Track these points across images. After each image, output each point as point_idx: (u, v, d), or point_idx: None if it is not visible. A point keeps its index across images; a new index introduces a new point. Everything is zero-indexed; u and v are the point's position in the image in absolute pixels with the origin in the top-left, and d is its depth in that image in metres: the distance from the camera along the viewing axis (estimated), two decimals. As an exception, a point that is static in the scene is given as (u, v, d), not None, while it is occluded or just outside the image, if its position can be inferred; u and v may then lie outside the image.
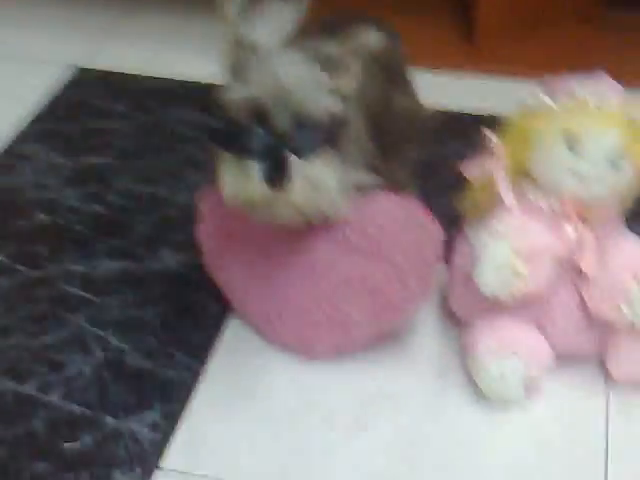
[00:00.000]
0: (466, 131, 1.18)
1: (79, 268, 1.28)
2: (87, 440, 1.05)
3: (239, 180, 0.99)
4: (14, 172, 1.45)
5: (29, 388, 1.11)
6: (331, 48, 1.01)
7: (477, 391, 1.09)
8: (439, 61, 1.61)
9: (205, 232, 1.19)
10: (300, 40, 1.05)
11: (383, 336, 1.14)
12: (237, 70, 1.01)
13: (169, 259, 1.29)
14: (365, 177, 1.09)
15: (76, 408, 1.09)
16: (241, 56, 1.01)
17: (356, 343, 1.13)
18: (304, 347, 1.14)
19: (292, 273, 1.13)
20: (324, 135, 1.00)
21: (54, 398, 1.10)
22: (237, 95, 0.99)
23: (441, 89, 1.52)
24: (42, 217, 1.37)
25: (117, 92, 1.64)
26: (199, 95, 1.60)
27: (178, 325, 1.19)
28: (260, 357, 1.15)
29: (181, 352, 1.16)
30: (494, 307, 1.08)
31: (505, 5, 1.68)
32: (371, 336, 1.13)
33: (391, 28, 1.22)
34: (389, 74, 1.21)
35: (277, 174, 0.96)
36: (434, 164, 1.36)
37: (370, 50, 1.02)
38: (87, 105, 1.61)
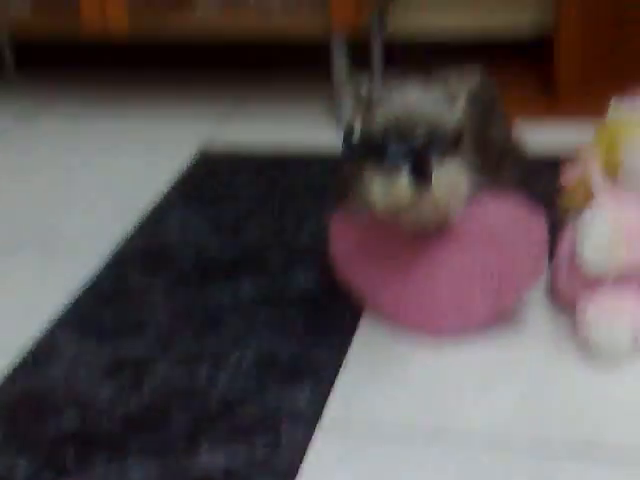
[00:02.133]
0: (553, 169, 1.38)
1: (227, 291, 1.48)
2: (254, 411, 1.22)
3: (387, 187, 1.19)
4: (162, 226, 1.68)
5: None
6: (443, 85, 1.24)
7: (590, 354, 1.25)
8: (523, 114, 1.79)
9: (337, 248, 1.39)
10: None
11: (501, 317, 1.31)
12: (368, 110, 1.24)
13: (303, 280, 1.49)
14: (476, 183, 1.29)
15: (243, 389, 1.26)
16: (366, 101, 1.25)
17: (477, 322, 1.31)
18: (430, 324, 1.32)
19: (418, 268, 1.32)
20: (451, 144, 1.21)
21: (221, 384, 1.28)
22: (377, 120, 1.21)
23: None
24: (190, 257, 1.58)
25: (241, 163, 1.88)
26: (313, 160, 1.87)
27: (319, 327, 1.38)
28: (393, 342, 1.33)
29: (326, 345, 1.34)
30: (598, 282, 1.25)
31: (580, 61, 1.95)
32: (491, 317, 1.31)
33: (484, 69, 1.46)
34: (485, 107, 1.44)
35: (422, 177, 1.17)
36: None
37: (472, 87, 1.25)
38: (215, 174, 1.86)
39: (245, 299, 1.46)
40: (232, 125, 2.08)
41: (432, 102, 1.22)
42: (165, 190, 1.80)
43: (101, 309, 1.46)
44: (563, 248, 1.31)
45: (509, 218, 1.30)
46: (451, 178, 1.21)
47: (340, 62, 1.98)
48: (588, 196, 1.30)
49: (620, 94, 1.33)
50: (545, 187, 1.56)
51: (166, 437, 1.19)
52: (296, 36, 2.16)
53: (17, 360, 1.34)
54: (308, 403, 1.23)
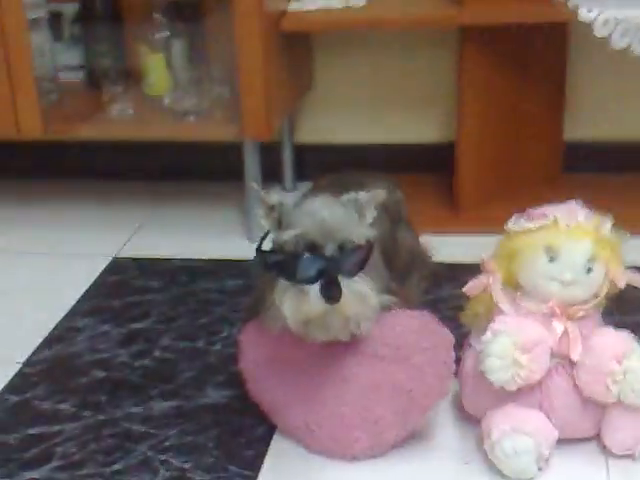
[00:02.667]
0: (456, 276, 1.42)
1: (138, 409, 1.46)
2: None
3: (298, 301, 1.21)
4: (70, 341, 1.66)
5: (107, 506, 1.28)
6: (353, 197, 1.26)
7: (496, 472, 1.27)
8: (427, 225, 1.84)
9: (246, 361, 1.39)
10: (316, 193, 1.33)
11: (410, 434, 1.32)
12: (279, 223, 1.26)
13: (214, 395, 1.48)
14: (384, 297, 1.30)
15: (150, 516, 1.25)
16: (277, 214, 1.26)
17: (388, 442, 1.32)
18: (343, 450, 1.32)
19: (327, 385, 1.33)
20: (361, 258, 1.23)
21: (129, 512, 1.26)
22: (288, 235, 1.23)
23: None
24: (99, 373, 1.56)
25: (150, 272, 1.88)
26: (221, 268, 1.87)
27: (230, 445, 1.37)
28: (304, 463, 1.33)
29: (235, 466, 1.33)
30: (502, 398, 1.27)
31: (479, 177, 2.01)
32: (400, 434, 1.31)
33: (391, 180, 1.49)
34: (393, 217, 1.47)
35: (331, 291, 1.19)
36: (433, 302, 1.60)
37: (380, 199, 1.28)
38: (125, 284, 1.84)
39: (155, 417, 1.44)
40: (145, 235, 2.07)
41: (342, 216, 1.24)
42: (75, 300, 1.79)
43: (5, 432, 1.43)
44: (467, 362, 1.34)
45: (417, 335, 1.31)
46: (361, 292, 1.22)
47: (251, 169, 2.00)
48: (491, 307, 1.32)
49: (518, 206, 1.37)
50: (450, 296, 1.60)
51: None
52: (209, 143, 2.19)
53: None
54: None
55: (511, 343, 1.24)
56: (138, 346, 1.63)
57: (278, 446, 1.36)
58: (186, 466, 1.34)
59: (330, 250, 1.21)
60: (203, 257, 1.93)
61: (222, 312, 1.72)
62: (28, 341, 1.66)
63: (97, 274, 1.89)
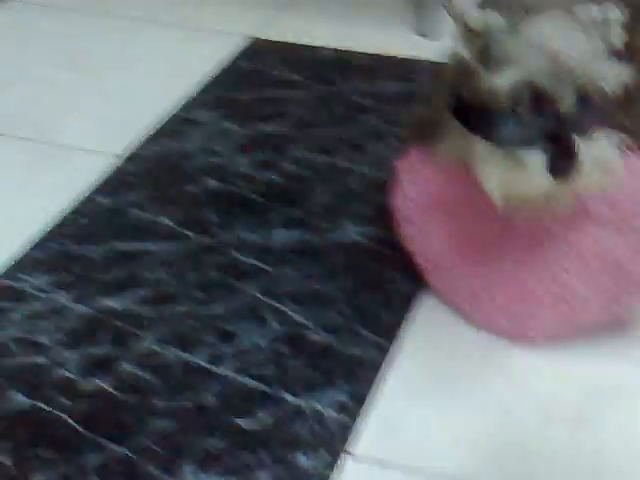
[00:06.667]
0: None
1: (252, 236, 1.15)
2: (265, 418, 0.92)
3: (513, 175, 0.84)
4: (183, 137, 1.34)
5: (199, 358, 0.98)
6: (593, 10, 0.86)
7: None
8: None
9: (402, 197, 1.04)
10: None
11: (609, 322, 0.97)
12: (487, 55, 0.86)
13: (350, 231, 1.15)
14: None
15: (251, 382, 0.96)
16: (484, 42, 0.86)
17: (579, 327, 0.96)
18: (516, 328, 0.98)
19: (510, 244, 0.97)
20: (608, 112, 0.85)
21: (226, 370, 0.97)
22: (504, 79, 0.84)
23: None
24: (212, 183, 1.24)
25: (293, 62, 1.53)
26: (378, 66, 1.50)
27: (364, 301, 1.05)
28: (458, 338, 1.00)
29: (368, 330, 1.02)
30: None
31: None
32: (598, 320, 0.96)
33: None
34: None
35: (564, 163, 0.82)
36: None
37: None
38: (262, 74, 1.50)
39: (273, 250, 1.13)
40: (293, 15, 1.69)
41: (585, 47, 0.84)
42: (199, 86, 1.46)
43: (88, 243, 1.15)
44: None
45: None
46: (603, 159, 0.85)
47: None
48: None
49: None
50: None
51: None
52: None
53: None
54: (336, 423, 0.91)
55: None
56: (264, 154, 1.30)
57: (426, 311, 1.03)
58: (303, 321, 1.02)
59: (567, 102, 0.82)
60: (358, 49, 1.55)
61: (373, 122, 1.36)
62: (133, 130, 1.35)
63: (230, 57, 1.55)
